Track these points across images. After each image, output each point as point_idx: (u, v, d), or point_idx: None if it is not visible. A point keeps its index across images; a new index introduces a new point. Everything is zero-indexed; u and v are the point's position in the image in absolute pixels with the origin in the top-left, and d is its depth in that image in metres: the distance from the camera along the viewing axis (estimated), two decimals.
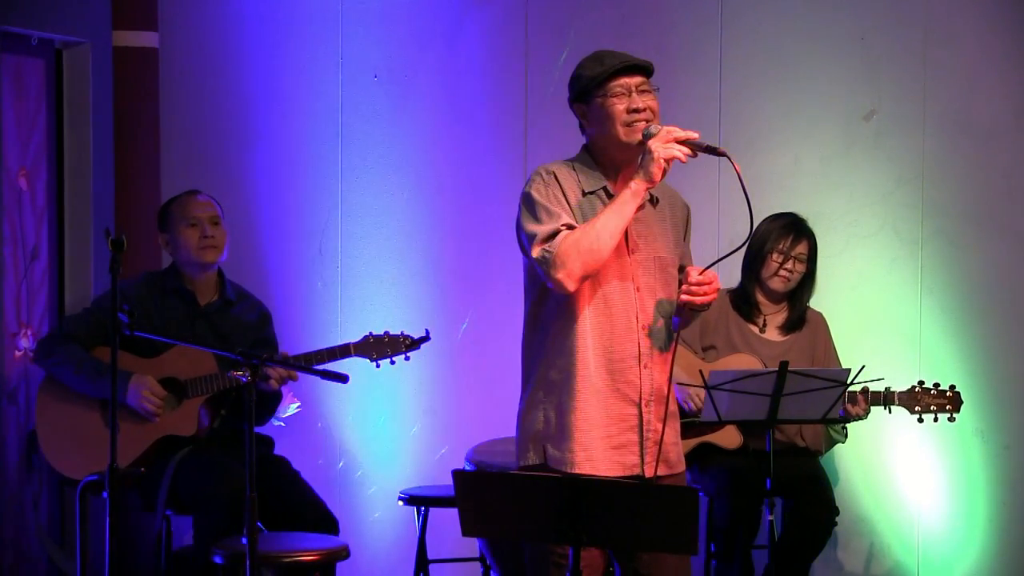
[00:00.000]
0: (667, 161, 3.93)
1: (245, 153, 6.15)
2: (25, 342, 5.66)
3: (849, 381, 4.84)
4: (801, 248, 5.35)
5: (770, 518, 4.90)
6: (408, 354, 5.18)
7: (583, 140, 4.15)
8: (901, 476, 5.63)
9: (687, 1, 5.82)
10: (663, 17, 5.84)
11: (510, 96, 6.00)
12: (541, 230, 3.97)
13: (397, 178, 6.09)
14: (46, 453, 5.11)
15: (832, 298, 5.60)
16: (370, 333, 5.16)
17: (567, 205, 4.02)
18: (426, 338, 5.19)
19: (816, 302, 5.48)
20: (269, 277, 5.99)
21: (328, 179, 6.13)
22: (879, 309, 5.64)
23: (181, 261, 5.22)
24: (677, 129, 3.96)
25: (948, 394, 5.11)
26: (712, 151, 3.97)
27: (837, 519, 5.27)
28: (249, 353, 4.25)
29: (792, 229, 5.35)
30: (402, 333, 5.17)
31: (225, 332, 5.15)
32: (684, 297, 3.99)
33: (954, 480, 5.58)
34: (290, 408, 5.82)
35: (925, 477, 5.59)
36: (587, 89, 4.04)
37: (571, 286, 3.94)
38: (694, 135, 3.96)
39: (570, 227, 3.97)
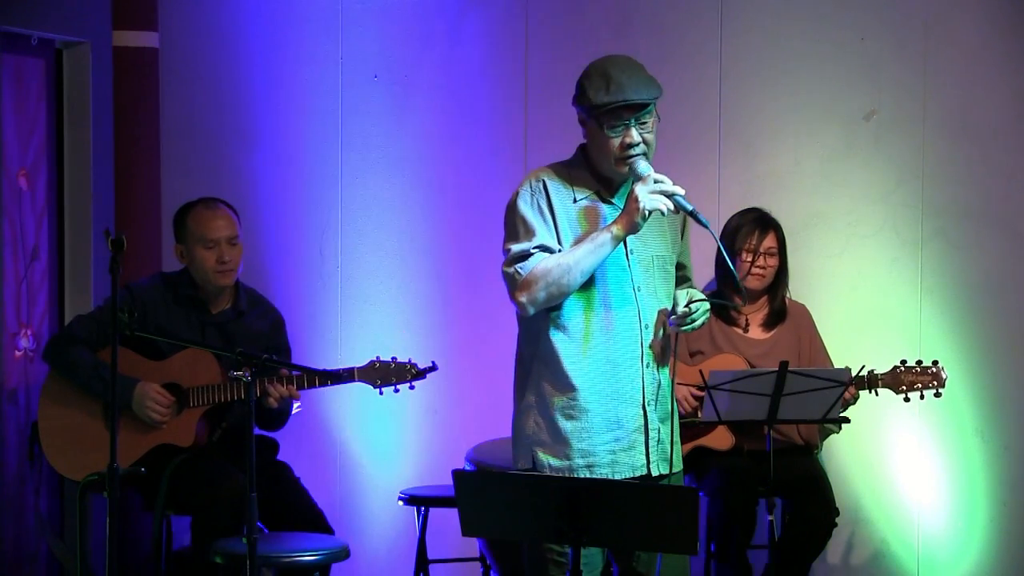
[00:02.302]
0: (651, 211, 3.92)
1: (245, 153, 6.15)
2: (25, 342, 5.66)
3: (849, 381, 4.84)
4: (769, 242, 5.35)
5: (770, 518, 4.90)
6: (413, 383, 5.08)
7: (582, 138, 4.15)
8: (901, 476, 5.63)
9: (687, 1, 5.82)
10: (663, 17, 5.84)
11: (510, 96, 6.00)
12: (515, 248, 4.01)
13: (397, 178, 6.09)
14: (46, 453, 5.11)
15: (832, 298, 5.61)
16: (377, 358, 5.06)
17: (551, 218, 4.02)
18: (433, 368, 5.07)
19: (816, 302, 5.49)
20: (269, 277, 5.99)
21: (328, 179, 6.13)
22: (879, 309, 5.64)
23: (196, 276, 5.18)
24: (667, 182, 3.95)
25: (932, 370, 5.11)
26: (694, 217, 3.97)
27: (837, 519, 5.27)
28: (250, 354, 4.24)
29: (757, 224, 5.35)
30: (409, 361, 5.07)
31: (236, 341, 5.06)
32: (671, 329, 4.01)
33: (954, 480, 5.57)
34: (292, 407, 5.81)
35: (925, 477, 5.59)
36: (587, 109, 4.03)
37: (531, 311, 4.01)
38: (680, 191, 3.94)
39: (543, 248, 3.97)
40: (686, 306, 3.98)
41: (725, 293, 5.36)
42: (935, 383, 5.10)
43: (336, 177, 6.13)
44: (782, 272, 5.40)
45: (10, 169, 5.61)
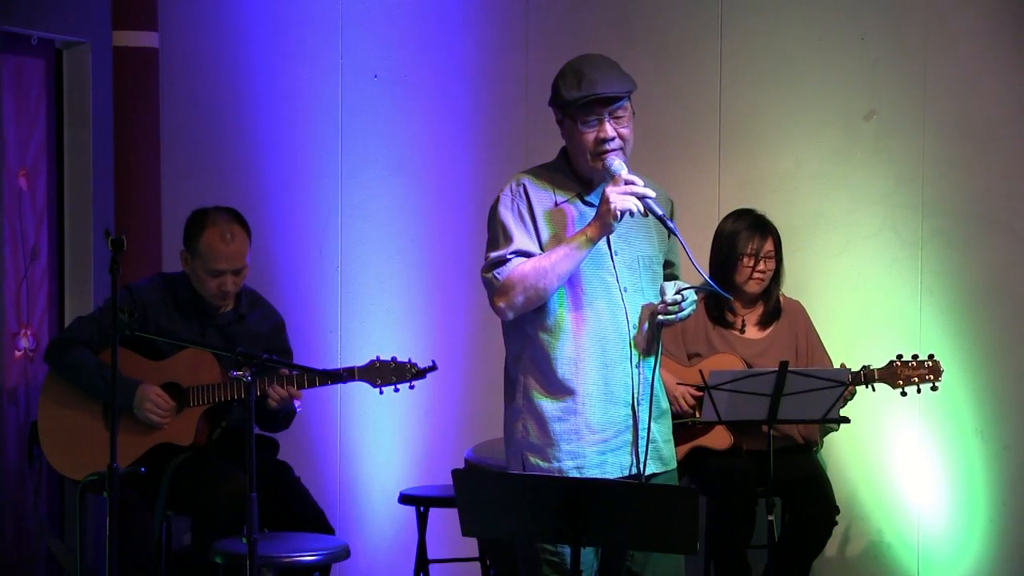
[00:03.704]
0: (622, 213, 3.91)
1: (245, 153, 6.15)
2: (25, 342, 5.66)
3: (849, 381, 4.84)
4: (769, 246, 5.35)
5: (770, 518, 4.90)
6: (413, 383, 5.07)
7: None
8: (901, 476, 5.63)
9: (687, 1, 5.82)
10: (663, 17, 5.84)
11: (510, 96, 6.00)
12: (493, 255, 4.03)
13: (397, 178, 6.09)
14: (46, 453, 5.11)
15: (832, 298, 5.61)
16: (377, 357, 5.04)
17: (532, 221, 4.03)
18: (433, 368, 5.06)
19: (816, 302, 5.49)
20: (269, 277, 5.99)
21: (328, 179, 6.13)
22: (879, 309, 5.64)
23: (195, 287, 5.15)
24: (638, 183, 3.94)
25: (928, 363, 5.11)
26: (663, 223, 3.98)
27: (837, 519, 5.27)
28: (250, 353, 4.24)
29: (757, 229, 5.34)
30: (409, 360, 5.05)
31: (237, 343, 5.00)
32: (660, 318, 4.00)
33: (954, 480, 5.57)
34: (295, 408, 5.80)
35: (925, 477, 5.59)
36: (561, 107, 4.04)
37: (509, 315, 4.03)
38: (651, 194, 3.94)
39: (520, 253, 3.99)
40: (676, 294, 3.98)
41: (721, 297, 5.36)
42: (932, 376, 5.11)
43: (336, 177, 6.13)
44: (777, 272, 5.40)
45: (10, 169, 5.61)
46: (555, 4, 5.97)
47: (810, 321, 5.44)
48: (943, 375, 5.13)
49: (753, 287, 5.35)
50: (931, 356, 5.12)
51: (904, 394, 5.13)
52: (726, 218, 5.41)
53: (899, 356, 5.12)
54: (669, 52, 5.79)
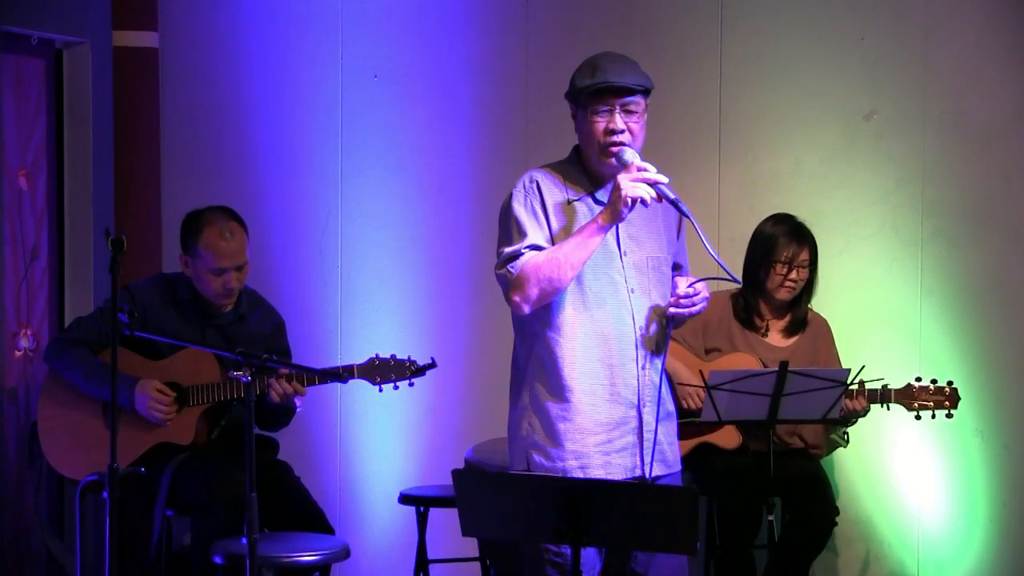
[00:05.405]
0: (633, 200, 3.91)
1: (245, 153, 6.15)
2: (25, 342, 5.66)
3: (849, 381, 4.84)
4: (804, 255, 5.33)
5: (770, 518, 4.90)
6: (413, 380, 5.05)
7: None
8: (901, 476, 5.63)
9: (687, 1, 5.82)
10: (663, 17, 5.84)
11: (510, 96, 6.00)
12: (507, 250, 4.02)
13: (397, 178, 6.09)
14: (46, 453, 5.11)
15: (832, 298, 5.60)
16: (376, 355, 5.03)
17: (544, 216, 4.03)
18: (432, 365, 5.04)
19: (816, 302, 5.48)
20: (269, 276, 5.99)
21: (328, 179, 6.13)
22: (879, 309, 5.64)
23: (198, 289, 5.15)
24: (651, 170, 3.95)
25: (946, 391, 5.10)
26: (676, 207, 3.97)
27: (837, 519, 5.27)
28: (250, 353, 4.24)
29: (794, 237, 5.32)
30: (408, 358, 5.03)
31: (237, 343, 5.00)
32: (672, 311, 4.00)
33: (954, 480, 5.57)
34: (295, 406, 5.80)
35: (925, 477, 5.59)
36: (575, 97, 4.06)
37: (526, 309, 4.00)
38: (664, 179, 3.94)
39: (533, 247, 3.98)
40: (689, 287, 3.98)
41: (750, 301, 5.36)
42: (948, 404, 5.09)
43: (336, 177, 6.13)
44: (810, 283, 5.38)
45: (10, 169, 5.61)
46: (555, 4, 5.97)
47: (833, 338, 5.42)
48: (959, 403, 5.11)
49: (783, 294, 5.33)
50: (950, 383, 5.10)
51: (919, 417, 5.11)
52: (766, 220, 5.38)
53: (917, 379, 5.10)
54: (669, 52, 5.78)
